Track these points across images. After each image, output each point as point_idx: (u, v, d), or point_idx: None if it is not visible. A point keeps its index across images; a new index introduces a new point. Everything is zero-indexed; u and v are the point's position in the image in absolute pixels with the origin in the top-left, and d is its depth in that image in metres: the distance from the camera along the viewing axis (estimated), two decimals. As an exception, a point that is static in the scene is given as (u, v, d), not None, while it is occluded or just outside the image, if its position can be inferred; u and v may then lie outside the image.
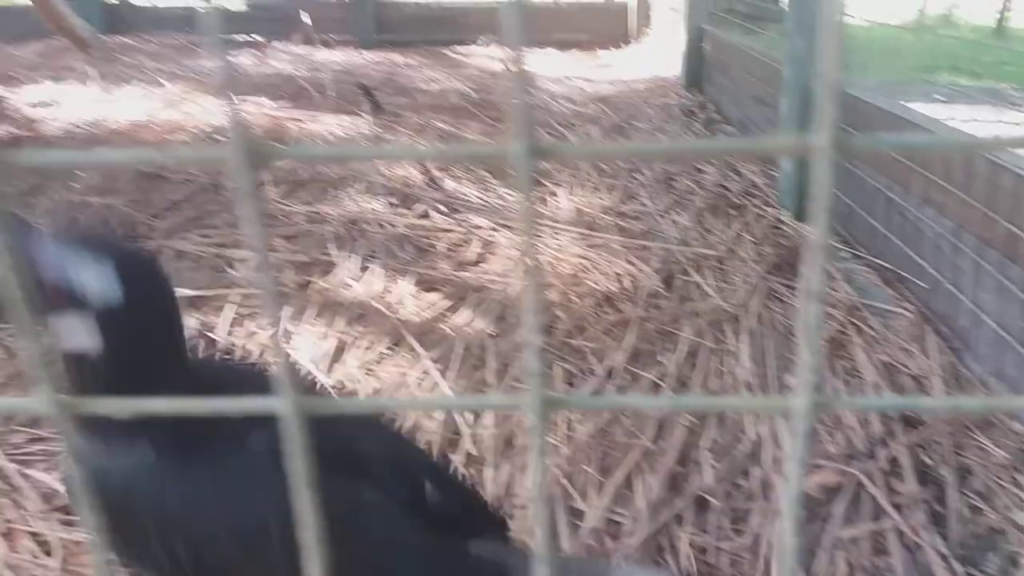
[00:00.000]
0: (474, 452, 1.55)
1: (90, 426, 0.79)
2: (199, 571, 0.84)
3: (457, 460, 1.52)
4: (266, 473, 0.81)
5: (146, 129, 3.33)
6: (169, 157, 0.39)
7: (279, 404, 0.29)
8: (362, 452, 0.91)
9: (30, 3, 5.52)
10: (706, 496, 1.44)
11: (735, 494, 1.45)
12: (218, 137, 3.15)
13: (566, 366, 1.82)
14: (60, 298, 0.75)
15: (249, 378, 1.00)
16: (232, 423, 0.82)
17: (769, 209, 2.61)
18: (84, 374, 0.80)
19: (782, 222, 2.53)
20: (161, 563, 0.84)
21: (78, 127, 3.37)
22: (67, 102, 3.82)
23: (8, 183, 0.27)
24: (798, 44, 2.54)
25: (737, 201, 2.69)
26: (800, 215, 2.52)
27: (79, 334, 0.76)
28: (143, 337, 0.79)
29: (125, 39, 5.57)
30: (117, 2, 6.36)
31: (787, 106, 2.62)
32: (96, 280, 0.76)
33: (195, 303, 2.03)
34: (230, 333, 1.91)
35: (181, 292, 2.05)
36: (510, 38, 0.23)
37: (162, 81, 4.13)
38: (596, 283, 2.16)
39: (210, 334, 1.91)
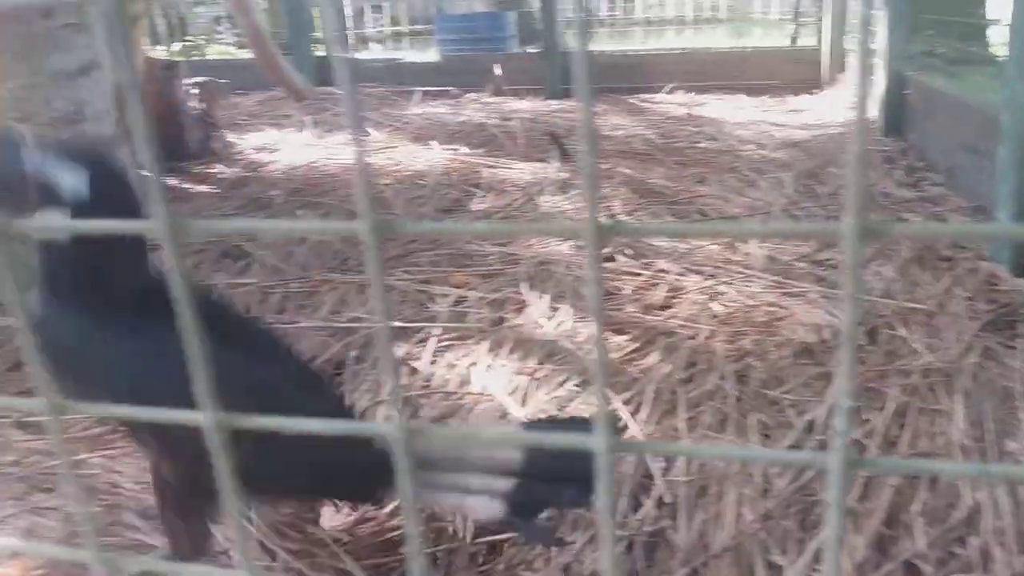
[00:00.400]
0: (667, 499, 1.55)
1: (48, 293, 1.05)
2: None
3: (648, 505, 1.53)
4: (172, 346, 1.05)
5: (351, 172, 3.61)
6: (312, 229, 0.45)
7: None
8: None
9: (253, 57, 6.18)
10: (917, 563, 1.35)
11: (950, 563, 1.35)
12: (420, 181, 3.36)
13: (762, 417, 1.78)
14: (40, 193, 0.97)
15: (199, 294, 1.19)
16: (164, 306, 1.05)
17: (982, 263, 2.44)
18: (53, 261, 1.03)
19: (997, 277, 2.36)
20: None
21: (295, 169, 3.71)
22: (285, 147, 4.21)
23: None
24: (1019, 90, 2.37)
25: (946, 253, 2.53)
26: (1018, 270, 2.34)
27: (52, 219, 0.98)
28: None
29: (334, 90, 6.07)
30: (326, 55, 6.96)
31: (1005, 154, 2.45)
32: (68, 178, 0.97)
33: (400, 334, 2.17)
34: (432, 363, 2.03)
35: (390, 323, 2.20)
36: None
37: (369, 129, 4.46)
38: (793, 333, 2.10)
39: (413, 363, 2.04)
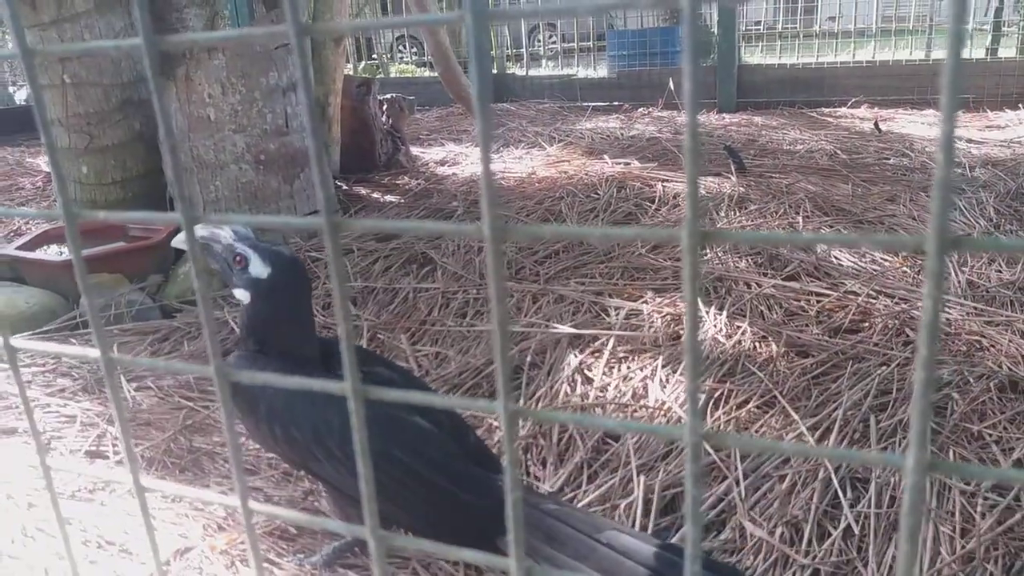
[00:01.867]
0: (855, 529, 1.48)
1: (239, 345, 1.44)
2: (285, 445, 1.34)
3: (835, 534, 1.46)
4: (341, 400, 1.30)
5: (529, 184, 3.70)
6: (444, 229, 0.47)
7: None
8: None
9: (435, 75, 6.47)
10: None
11: None
12: (593, 195, 3.39)
13: (962, 452, 1.66)
14: (240, 266, 1.35)
15: (362, 351, 1.59)
16: (336, 365, 1.41)
17: None
18: (243, 318, 1.41)
19: None
20: (262, 438, 1.39)
21: (474, 182, 3.84)
22: (464, 161, 4.38)
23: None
24: None
25: None
26: None
27: (242, 291, 1.37)
28: (269, 303, 1.37)
29: (508, 105, 6.25)
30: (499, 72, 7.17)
31: None
32: (257, 263, 1.35)
33: (573, 342, 2.20)
34: (605, 374, 2.04)
35: (562, 329, 2.24)
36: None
37: (543, 144, 4.56)
38: (997, 364, 1.94)
39: (587, 372, 2.06)
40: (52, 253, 2.90)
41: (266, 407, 1.34)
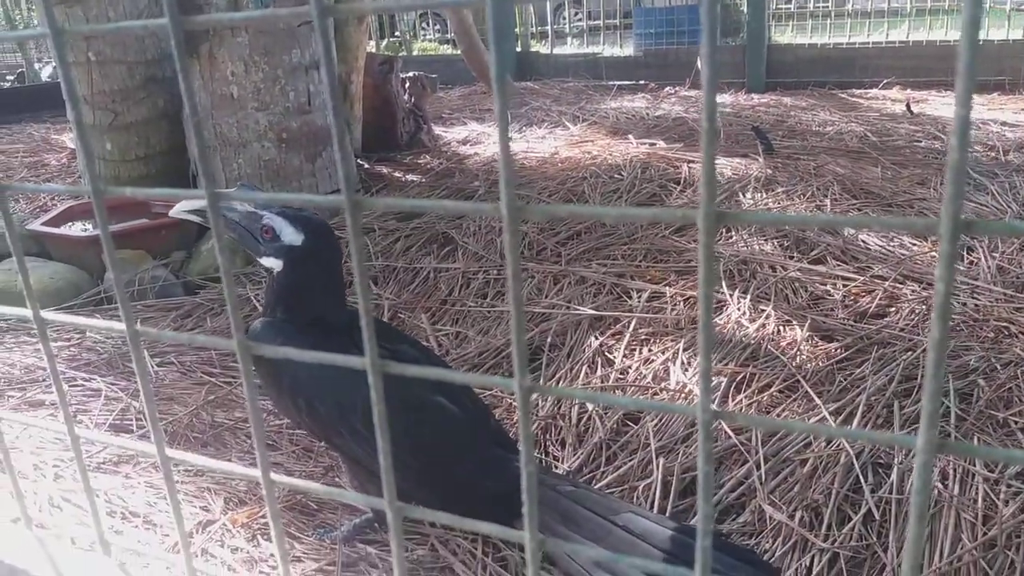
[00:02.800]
0: (876, 514, 1.46)
1: (264, 314, 1.42)
2: (309, 418, 1.34)
3: (855, 519, 1.45)
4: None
5: (551, 164, 3.67)
6: (462, 208, 0.46)
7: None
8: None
9: (458, 52, 6.44)
10: None
11: None
12: (617, 175, 3.36)
13: (987, 440, 1.64)
14: (268, 235, 1.34)
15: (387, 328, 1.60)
16: (344, 339, 1.37)
17: None
18: (269, 284, 1.40)
19: None
20: (286, 409, 1.39)
21: (496, 162, 3.82)
22: (486, 140, 4.36)
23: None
24: None
25: None
26: None
27: (273, 259, 1.35)
28: (303, 269, 1.36)
29: (532, 84, 6.20)
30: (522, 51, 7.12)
31: None
32: (289, 232, 1.34)
33: (594, 324, 2.19)
34: (625, 356, 2.03)
35: (583, 310, 2.23)
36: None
37: (566, 123, 4.52)
38: (1026, 352, 1.91)
39: (608, 354, 2.05)
40: (76, 229, 2.93)
41: (290, 379, 1.34)
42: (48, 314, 0.66)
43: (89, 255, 2.71)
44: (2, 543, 0.74)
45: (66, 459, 1.77)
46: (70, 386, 2.09)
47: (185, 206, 1.44)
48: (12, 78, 8.31)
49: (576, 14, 9.64)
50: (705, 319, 0.43)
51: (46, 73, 8.02)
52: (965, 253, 2.49)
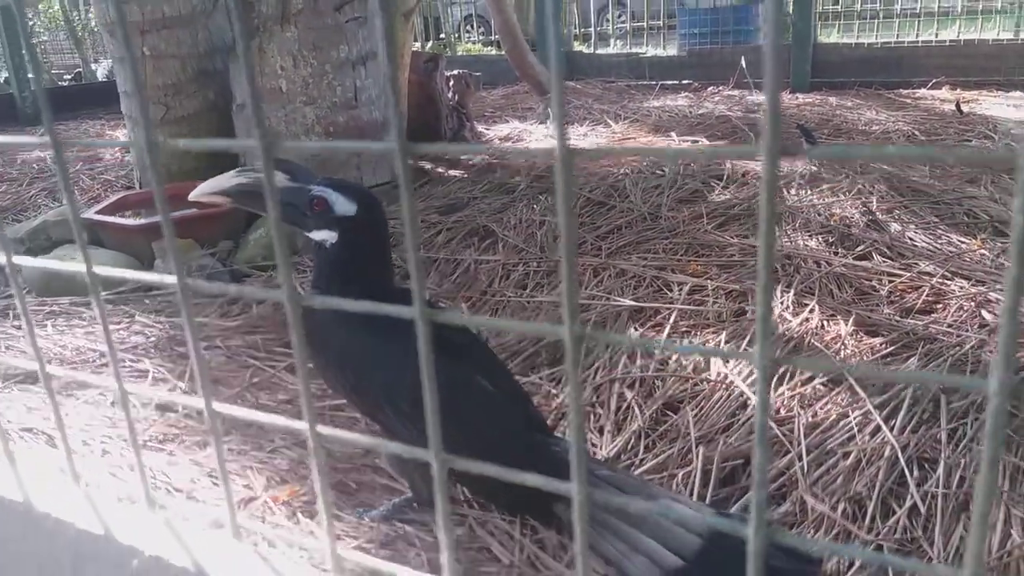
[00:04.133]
0: (921, 508, 1.44)
1: (314, 286, 1.40)
2: (355, 394, 1.36)
3: (900, 512, 1.42)
4: (411, 350, 1.27)
5: (592, 161, 3.67)
6: (501, 149, 0.45)
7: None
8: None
9: (502, 52, 6.47)
10: None
11: None
12: (659, 172, 3.35)
13: (1041, 433, 1.59)
14: (320, 208, 1.32)
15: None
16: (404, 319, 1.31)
17: None
18: (321, 258, 1.38)
19: None
20: (332, 382, 1.41)
21: (537, 157, 3.83)
22: (528, 138, 4.37)
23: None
24: None
25: None
26: None
27: (325, 231, 1.33)
28: (357, 239, 1.34)
29: (574, 84, 6.20)
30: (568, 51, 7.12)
31: None
32: (342, 202, 1.32)
33: (634, 316, 2.18)
34: (666, 348, 2.02)
35: (623, 302, 2.22)
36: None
37: (608, 121, 4.51)
38: (1082, 349, 1.85)
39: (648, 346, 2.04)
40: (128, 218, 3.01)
41: (337, 353, 1.35)
42: (102, 269, 0.68)
43: (140, 243, 2.77)
44: (48, 497, 0.77)
45: (113, 436, 1.81)
46: (119, 367, 2.15)
47: (207, 188, 1.38)
48: (70, 77, 8.57)
49: (620, 16, 9.61)
50: (765, 256, 0.43)
51: (101, 73, 8.24)
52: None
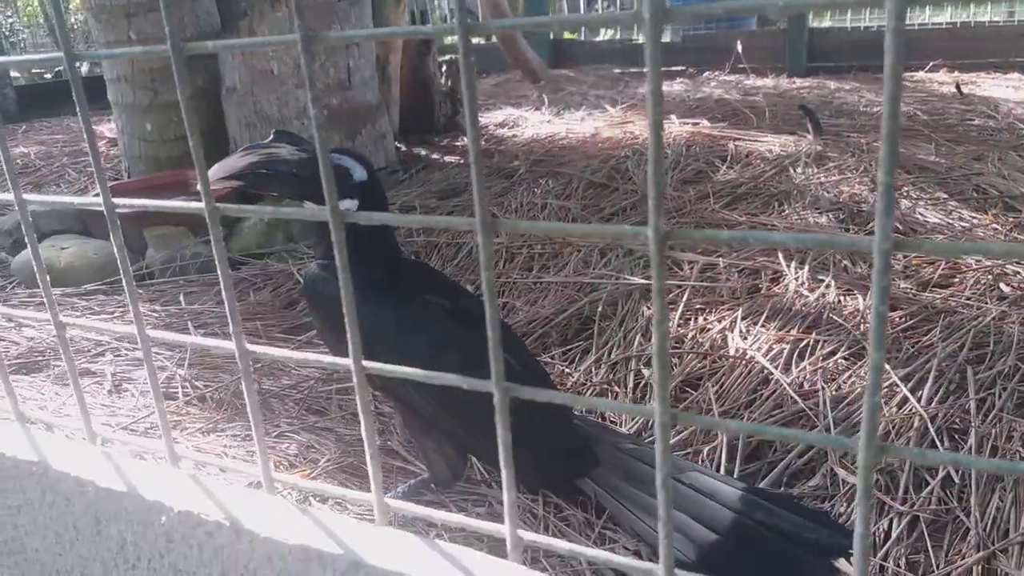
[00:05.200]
0: (955, 479, 1.38)
1: (323, 257, 1.33)
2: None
3: (933, 483, 1.37)
4: (430, 322, 1.27)
5: (592, 144, 3.61)
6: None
7: None
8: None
9: (494, 41, 6.39)
10: None
11: None
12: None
13: (1072, 405, 1.55)
14: (340, 176, 1.28)
15: (453, 283, 1.53)
16: (405, 283, 1.34)
17: None
18: (328, 233, 1.20)
19: None
20: (343, 353, 1.19)
21: (535, 143, 3.77)
22: (524, 124, 4.31)
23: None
24: None
25: None
26: None
27: (348, 201, 1.29)
28: (374, 202, 1.32)
29: (567, 72, 6.14)
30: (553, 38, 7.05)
31: None
32: (357, 168, 1.30)
33: (645, 295, 2.12)
34: (680, 326, 1.96)
35: (634, 280, 2.16)
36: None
37: (605, 106, 4.46)
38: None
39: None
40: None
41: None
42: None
43: (130, 231, 2.69)
44: (65, 458, 0.70)
45: (113, 424, 1.74)
46: (115, 356, 2.07)
47: (217, 172, 1.28)
48: (50, 76, 8.42)
49: (608, 5, 9.55)
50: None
51: (84, 68, 8.10)
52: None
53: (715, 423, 0.47)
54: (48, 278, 0.71)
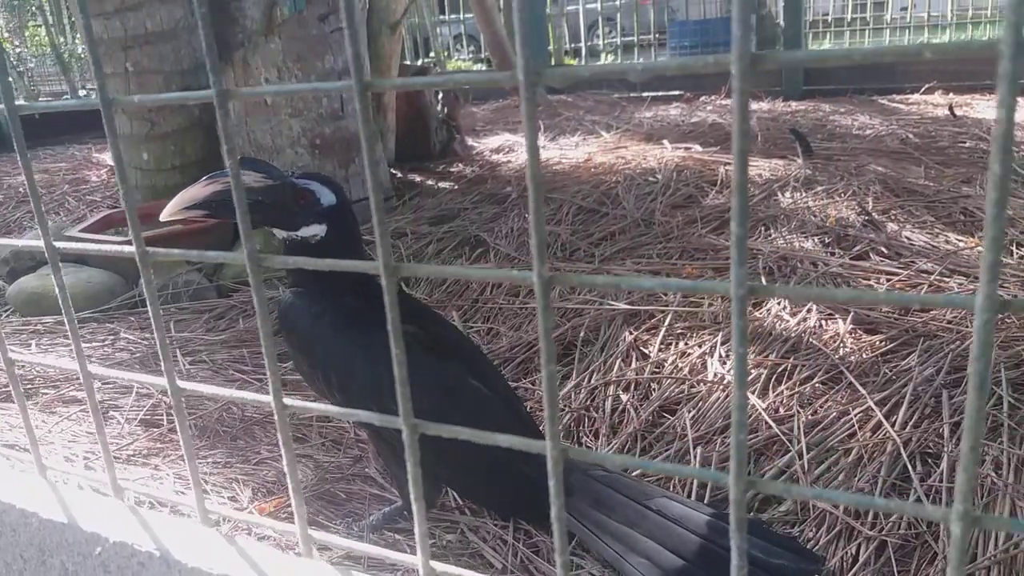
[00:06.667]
0: (925, 503, 1.39)
1: (295, 285, 1.36)
2: (340, 394, 1.30)
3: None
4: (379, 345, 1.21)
5: (584, 169, 3.65)
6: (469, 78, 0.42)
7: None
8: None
9: (491, 69, 6.46)
10: None
11: None
12: (651, 178, 3.32)
13: (1046, 429, 1.55)
14: (306, 201, 1.29)
15: (430, 311, 1.53)
16: (380, 311, 1.22)
17: None
18: (308, 255, 1.28)
19: None
20: (316, 382, 1.35)
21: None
22: (520, 149, 4.35)
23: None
24: None
25: None
26: None
27: (315, 226, 1.29)
28: (343, 227, 1.32)
29: (564, 97, 6.20)
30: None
31: None
32: (326, 193, 1.30)
33: (628, 319, 2.14)
34: (661, 350, 1.98)
35: (617, 305, 2.18)
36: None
37: (600, 131, 4.50)
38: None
39: (643, 348, 2.00)
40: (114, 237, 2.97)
41: (323, 351, 1.31)
42: (69, 233, 0.64)
43: (124, 261, 2.73)
44: (11, 488, 0.72)
45: (96, 452, 1.76)
46: (102, 383, 2.10)
47: (179, 202, 1.28)
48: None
49: (609, 31, 9.65)
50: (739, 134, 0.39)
51: (81, 93, 8.23)
52: (1014, 248, 2.40)
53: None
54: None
